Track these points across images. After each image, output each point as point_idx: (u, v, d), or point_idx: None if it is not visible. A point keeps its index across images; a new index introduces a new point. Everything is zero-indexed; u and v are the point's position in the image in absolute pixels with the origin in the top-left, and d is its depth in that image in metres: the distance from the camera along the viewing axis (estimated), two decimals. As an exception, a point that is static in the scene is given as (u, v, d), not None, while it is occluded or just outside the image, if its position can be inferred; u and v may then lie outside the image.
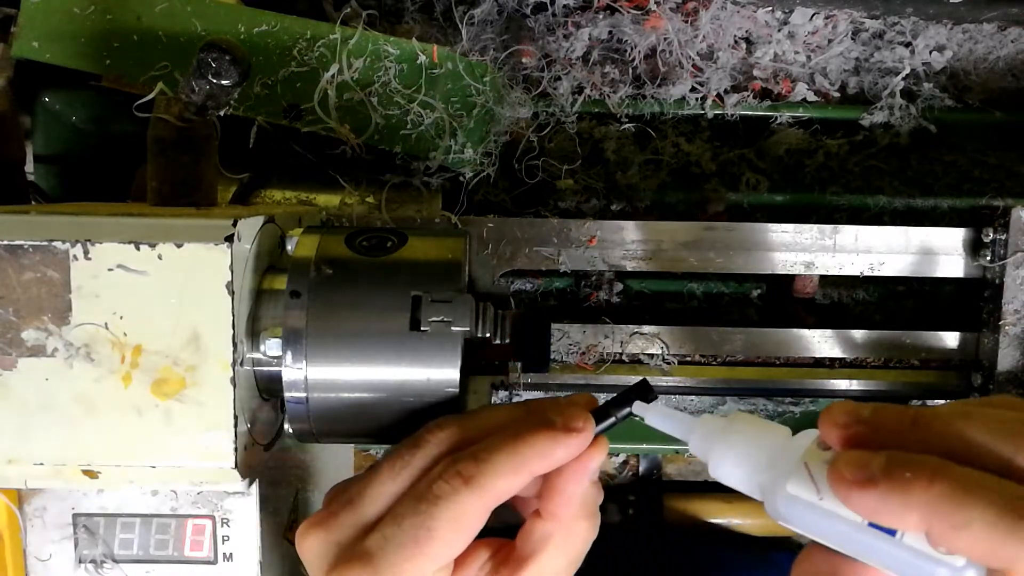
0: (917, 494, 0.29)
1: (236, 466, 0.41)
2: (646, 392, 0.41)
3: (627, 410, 0.41)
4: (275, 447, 0.48)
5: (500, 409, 0.41)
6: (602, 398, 0.72)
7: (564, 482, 0.39)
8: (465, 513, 0.38)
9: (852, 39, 0.73)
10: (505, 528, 0.42)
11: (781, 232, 0.67)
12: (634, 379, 0.69)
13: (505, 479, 0.38)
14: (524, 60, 0.70)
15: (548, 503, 0.40)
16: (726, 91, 0.72)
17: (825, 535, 0.33)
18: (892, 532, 0.31)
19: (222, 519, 0.47)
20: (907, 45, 0.74)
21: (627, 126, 0.72)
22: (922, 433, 0.31)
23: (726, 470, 0.37)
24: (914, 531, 0.30)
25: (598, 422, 0.40)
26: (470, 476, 0.38)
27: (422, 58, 0.58)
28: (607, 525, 0.86)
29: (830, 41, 0.73)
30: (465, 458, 0.38)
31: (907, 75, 0.73)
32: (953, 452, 0.30)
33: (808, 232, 0.67)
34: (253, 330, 0.43)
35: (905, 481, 0.29)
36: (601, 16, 0.71)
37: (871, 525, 0.31)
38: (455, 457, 0.39)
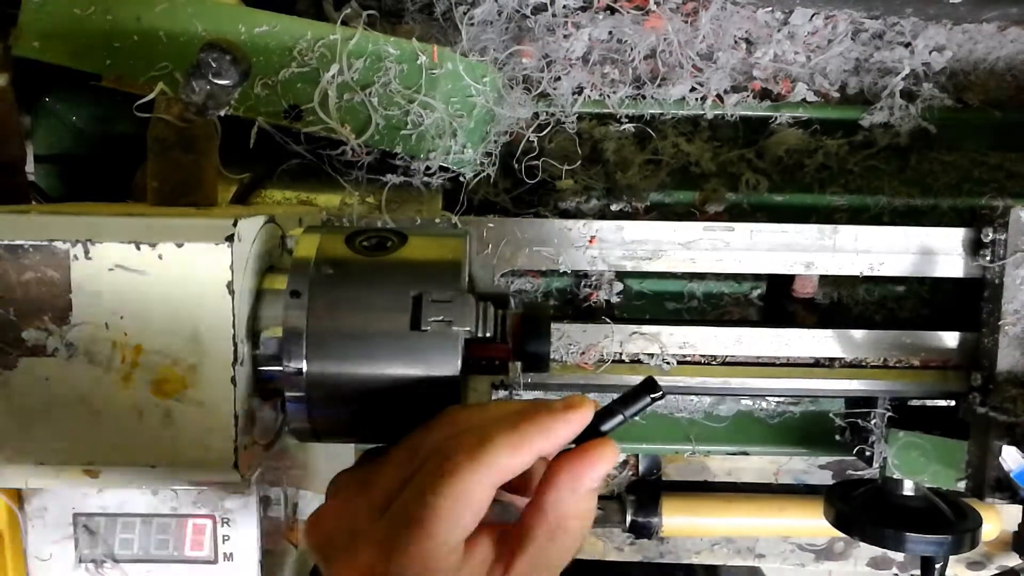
0: None
1: (236, 466, 0.41)
2: (652, 388, 0.41)
3: (634, 408, 0.41)
4: (275, 447, 0.48)
5: (510, 403, 0.42)
6: (600, 396, 0.72)
7: (562, 477, 0.39)
8: (467, 488, 0.37)
9: (852, 39, 0.73)
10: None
11: (781, 232, 0.67)
12: (635, 379, 0.70)
13: (507, 454, 0.38)
14: (524, 60, 0.70)
15: (540, 494, 0.40)
16: (726, 91, 0.72)
17: None
18: None
19: (222, 519, 0.47)
20: (907, 45, 0.74)
21: (627, 126, 0.72)
22: None
23: None
24: None
25: (603, 421, 0.40)
26: (471, 449, 0.38)
27: (422, 58, 0.58)
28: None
29: (830, 41, 0.73)
30: (466, 434, 0.39)
31: (907, 75, 0.73)
32: None
33: (808, 232, 0.67)
34: (253, 330, 0.43)
35: None
36: (601, 16, 0.71)
37: None
38: (457, 434, 0.39)
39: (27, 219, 0.42)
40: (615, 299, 0.72)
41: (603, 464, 0.40)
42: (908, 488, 0.71)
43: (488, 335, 0.44)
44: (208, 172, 0.53)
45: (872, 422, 0.72)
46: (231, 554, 0.47)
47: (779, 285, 0.74)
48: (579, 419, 0.39)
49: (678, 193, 0.73)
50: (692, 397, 0.78)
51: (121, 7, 0.58)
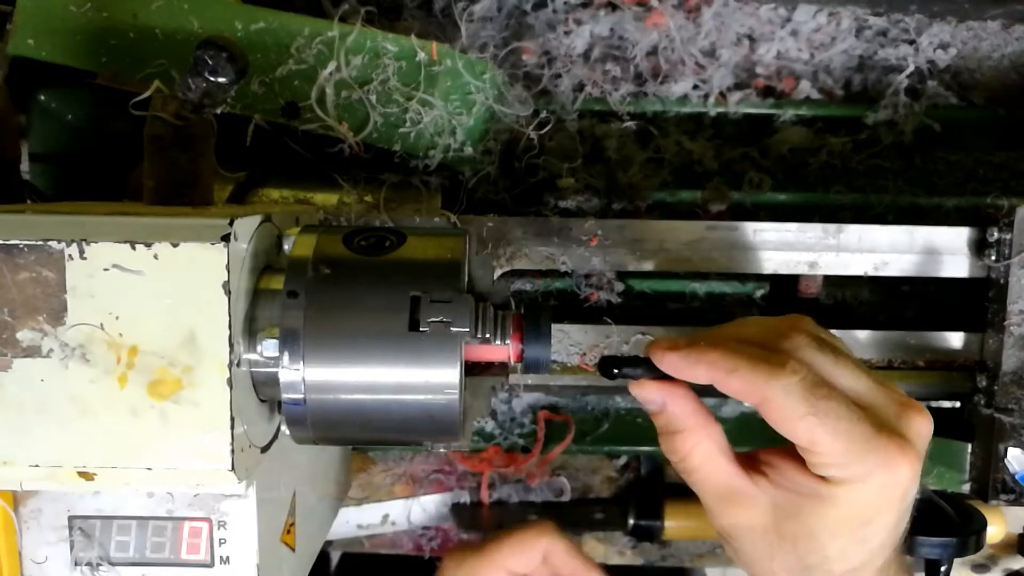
0: (705, 354, 0.44)
1: (233, 468, 0.40)
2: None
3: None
4: (272, 449, 0.48)
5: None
6: (600, 397, 0.71)
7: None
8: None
9: (856, 37, 0.73)
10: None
11: (784, 231, 0.67)
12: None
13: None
14: (524, 57, 0.70)
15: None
16: (729, 89, 0.71)
17: None
18: None
19: (219, 521, 0.47)
20: (911, 43, 0.73)
21: (628, 124, 0.72)
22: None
23: None
24: (704, 381, 0.44)
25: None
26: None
27: (421, 55, 0.58)
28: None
29: (834, 39, 0.73)
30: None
31: (911, 73, 0.72)
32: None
33: (812, 231, 0.67)
34: (250, 330, 0.43)
35: (699, 346, 0.44)
36: (602, 13, 0.70)
37: None
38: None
39: (22, 219, 0.42)
40: (616, 299, 0.72)
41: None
42: (912, 490, 0.70)
43: (488, 336, 0.44)
44: (205, 171, 0.52)
45: (876, 423, 0.72)
46: (227, 557, 0.47)
47: (783, 285, 0.73)
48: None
49: (680, 192, 0.72)
50: (694, 397, 0.78)
51: (117, 4, 0.57)
